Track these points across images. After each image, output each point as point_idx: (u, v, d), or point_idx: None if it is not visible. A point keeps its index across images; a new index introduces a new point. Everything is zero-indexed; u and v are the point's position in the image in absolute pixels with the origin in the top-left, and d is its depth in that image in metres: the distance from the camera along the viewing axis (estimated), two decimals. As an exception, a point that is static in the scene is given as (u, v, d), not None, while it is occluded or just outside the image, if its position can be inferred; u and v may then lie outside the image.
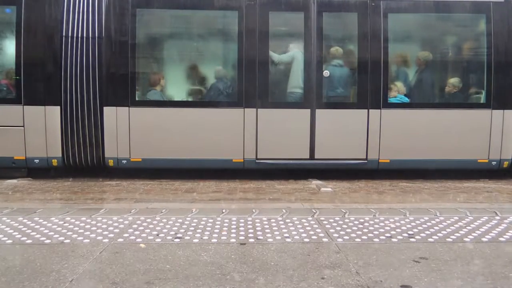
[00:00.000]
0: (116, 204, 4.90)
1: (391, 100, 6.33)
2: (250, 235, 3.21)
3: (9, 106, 6.14)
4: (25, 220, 3.58)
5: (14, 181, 6.08)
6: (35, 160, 6.17)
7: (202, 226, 3.42)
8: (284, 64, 6.42)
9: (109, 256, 2.77)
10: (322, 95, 6.32)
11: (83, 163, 6.27)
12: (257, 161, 6.23)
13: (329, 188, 5.66)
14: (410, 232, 3.31)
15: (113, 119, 6.12)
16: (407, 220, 3.67)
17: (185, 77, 6.66)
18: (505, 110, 6.28)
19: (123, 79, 6.12)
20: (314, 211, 3.95)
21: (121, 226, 3.43)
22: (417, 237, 3.21)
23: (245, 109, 6.18)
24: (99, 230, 3.31)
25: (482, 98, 6.41)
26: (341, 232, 3.29)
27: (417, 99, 6.61)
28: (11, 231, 3.30)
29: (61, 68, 6.09)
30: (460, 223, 3.56)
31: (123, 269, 2.55)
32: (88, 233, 3.25)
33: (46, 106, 6.11)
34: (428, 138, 6.29)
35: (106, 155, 6.18)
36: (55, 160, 6.20)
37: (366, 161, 6.30)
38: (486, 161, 6.34)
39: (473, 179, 6.39)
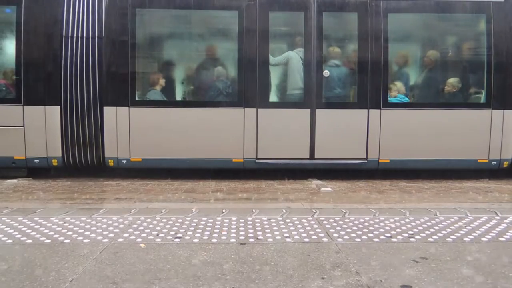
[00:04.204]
0: (116, 204, 4.90)
1: (391, 100, 6.33)
2: (250, 235, 3.21)
3: (9, 106, 6.14)
4: (25, 220, 3.58)
5: (14, 181, 6.08)
6: (35, 160, 6.18)
7: (202, 226, 3.42)
8: (282, 65, 6.42)
9: (109, 256, 2.77)
10: (322, 95, 6.32)
11: (83, 163, 6.27)
12: (257, 161, 6.23)
13: (329, 188, 5.66)
14: (410, 232, 3.31)
15: (113, 119, 6.13)
16: (407, 220, 3.67)
17: (185, 77, 6.66)
18: (505, 110, 6.28)
19: (123, 79, 6.13)
20: (314, 211, 3.94)
21: (121, 226, 3.43)
22: (417, 237, 3.20)
23: (245, 109, 6.18)
24: (99, 230, 3.31)
25: (482, 98, 6.41)
26: (341, 232, 3.29)
27: (417, 99, 6.62)
28: (11, 231, 3.30)
29: (61, 68, 6.09)
30: (460, 223, 3.56)
31: (123, 269, 2.55)
32: (88, 233, 3.25)
33: (46, 106, 6.11)
34: (428, 138, 6.29)
35: (106, 155, 6.18)
36: (55, 160, 6.20)
37: (366, 161, 6.30)
38: (486, 161, 6.34)
39: (473, 179, 6.40)
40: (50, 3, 6.12)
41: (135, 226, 3.43)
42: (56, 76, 6.10)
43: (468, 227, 3.45)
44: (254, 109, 6.17)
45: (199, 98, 6.59)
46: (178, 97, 6.62)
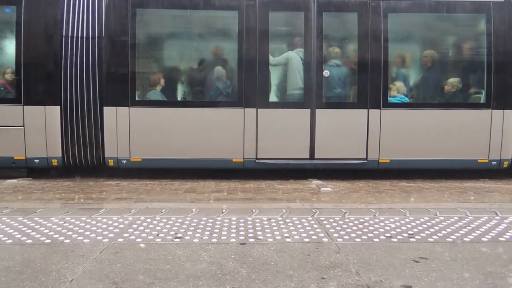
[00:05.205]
0: (116, 204, 4.90)
1: (391, 100, 6.33)
2: (250, 235, 3.21)
3: (9, 106, 6.14)
4: (25, 220, 3.58)
5: (14, 181, 6.08)
6: (35, 160, 6.18)
7: (202, 226, 3.42)
8: (282, 65, 6.42)
9: (109, 256, 2.77)
10: (322, 95, 6.32)
11: (83, 163, 6.27)
12: (257, 161, 6.23)
13: (329, 188, 5.66)
14: (410, 232, 3.31)
15: (113, 119, 6.13)
16: (407, 220, 3.67)
17: (185, 77, 6.66)
18: (505, 110, 6.29)
19: (123, 79, 6.13)
20: (314, 211, 3.94)
21: (121, 226, 3.43)
22: (417, 237, 3.20)
23: (245, 109, 6.18)
24: (99, 230, 3.31)
25: (482, 98, 6.41)
26: (341, 232, 3.29)
27: (417, 99, 6.62)
28: (11, 231, 3.29)
29: (61, 68, 6.10)
30: (460, 223, 3.56)
31: (123, 269, 2.55)
32: (88, 233, 3.24)
33: (46, 106, 6.11)
34: (428, 138, 6.29)
35: (106, 155, 6.18)
36: (55, 160, 6.20)
37: (366, 161, 6.30)
38: (486, 161, 6.34)
39: (473, 179, 6.40)
40: (50, 3, 6.12)
41: (135, 226, 3.43)
42: (56, 76, 6.11)
43: (468, 227, 3.44)
44: (254, 109, 6.18)
45: (199, 98, 6.59)
46: (178, 97, 6.61)
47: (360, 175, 6.41)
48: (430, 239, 3.14)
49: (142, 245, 2.99)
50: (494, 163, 6.36)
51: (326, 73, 6.24)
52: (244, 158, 6.22)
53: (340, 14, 6.47)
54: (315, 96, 6.24)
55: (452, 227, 3.44)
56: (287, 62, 6.37)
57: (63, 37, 6.11)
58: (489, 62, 6.27)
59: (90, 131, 6.16)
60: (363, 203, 4.89)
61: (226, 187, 5.85)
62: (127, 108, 6.14)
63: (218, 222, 3.54)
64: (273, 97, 6.40)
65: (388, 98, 6.30)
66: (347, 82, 6.49)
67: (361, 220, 3.64)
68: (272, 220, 3.61)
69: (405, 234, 3.26)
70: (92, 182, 6.13)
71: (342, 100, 6.49)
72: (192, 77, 6.62)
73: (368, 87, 6.23)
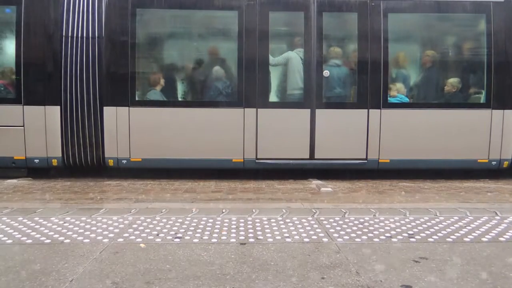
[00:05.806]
0: (116, 204, 4.90)
1: (391, 100, 6.33)
2: (250, 235, 3.21)
3: (9, 106, 6.14)
4: (25, 220, 3.58)
5: (14, 181, 6.08)
6: (35, 160, 6.18)
7: (202, 226, 3.42)
8: (282, 65, 6.43)
9: (109, 256, 2.77)
10: (322, 95, 6.33)
11: (83, 163, 6.27)
12: (257, 161, 6.24)
13: (329, 188, 5.66)
14: (410, 232, 3.31)
15: (113, 119, 6.13)
16: (407, 220, 3.67)
17: (185, 77, 6.66)
18: (505, 110, 6.29)
19: (123, 79, 6.13)
20: (314, 211, 3.94)
21: (121, 226, 3.43)
22: (417, 237, 3.20)
23: (245, 109, 6.18)
24: (99, 230, 3.31)
25: (482, 98, 6.41)
26: (341, 232, 3.29)
27: (417, 99, 6.62)
28: (11, 231, 3.29)
29: (61, 68, 6.10)
30: (460, 223, 3.56)
31: (123, 269, 2.55)
32: (88, 233, 3.25)
33: (46, 106, 6.11)
34: (428, 138, 6.29)
35: (106, 155, 6.19)
36: (55, 160, 6.20)
37: (366, 161, 6.30)
38: (486, 161, 6.34)
39: (473, 179, 6.40)
40: (50, 3, 6.12)
41: (135, 226, 3.43)
42: (56, 76, 6.11)
43: (468, 227, 3.45)
44: (254, 109, 6.18)
45: (199, 98, 6.60)
46: (178, 97, 6.61)
47: (360, 175, 6.41)
48: (430, 239, 3.14)
49: (142, 245, 2.99)
50: (494, 163, 6.36)
51: (326, 73, 6.25)
52: (244, 158, 6.22)
53: (340, 14, 6.47)
54: (315, 96, 6.24)
55: (452, 227, 3.44)
56: (287, 62, 6.37)
57: (63, 37, 6.11)
58: (489, 62, 6.28)
59: (90, 131, 6.16)
60: (363, 203, 4.89)
61: (226, 187, 5.85)
62: (127, 108, 6.14)
63: (218, 222, 3.54)
64: (273, 97, 6.40)
65: (388, 98, 6.30)
66: (347, 82, 6.49)
67: (361, 220, 3.64)
68: (272, 220, 3.62)
69: (405, 234, 3.26)
70: (92, 182, 6.13)
71: (342, 100, 6.48)
72: (192, 77, 6.62)
73: (368, 87, 6.24)
